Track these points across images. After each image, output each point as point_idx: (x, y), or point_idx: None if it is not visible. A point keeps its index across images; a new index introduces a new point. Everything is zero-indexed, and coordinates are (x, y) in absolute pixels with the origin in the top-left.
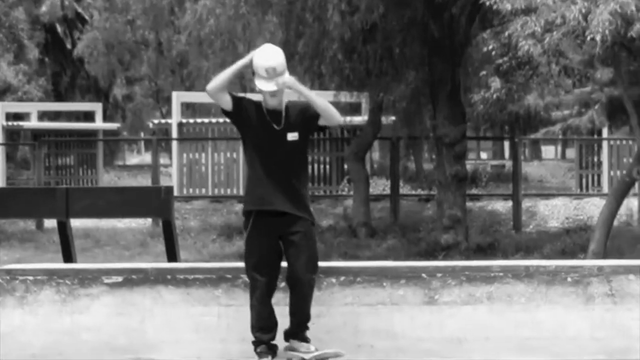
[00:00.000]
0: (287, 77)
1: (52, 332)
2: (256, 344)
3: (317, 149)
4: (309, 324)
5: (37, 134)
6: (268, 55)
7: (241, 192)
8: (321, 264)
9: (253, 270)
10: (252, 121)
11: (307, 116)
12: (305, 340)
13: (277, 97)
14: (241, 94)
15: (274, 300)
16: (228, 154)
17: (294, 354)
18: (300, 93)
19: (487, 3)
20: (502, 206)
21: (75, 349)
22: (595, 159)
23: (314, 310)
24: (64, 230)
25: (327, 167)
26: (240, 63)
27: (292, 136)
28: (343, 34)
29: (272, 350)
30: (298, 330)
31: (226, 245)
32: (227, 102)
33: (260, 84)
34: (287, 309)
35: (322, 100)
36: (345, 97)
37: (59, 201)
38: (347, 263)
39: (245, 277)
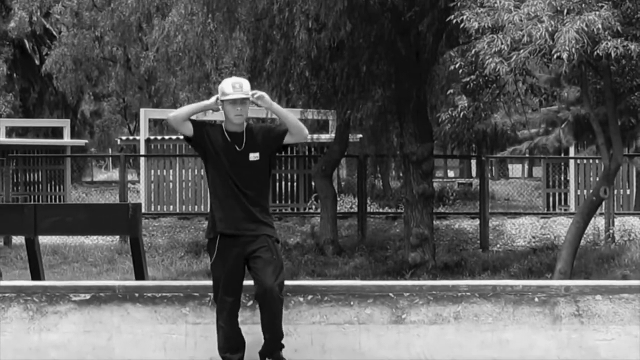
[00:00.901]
0: (259, 92)
1: (20, 350)
2: None
3: (285, 166)
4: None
5: (4, 150)
6: (234, 78)
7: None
8: (288, 282)
9: (222, 291)
10: (213, 144)
11: (273, 136)
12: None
13: (242, 115)
14: (202, 120)
15: (240, 319)
16: (196, 171)
17: None
18: (270, 107)
19: (454, 21)
20: (469, 224)
21: None
22: (562, 178)
23: None
24: (32, 247)
25: (295, 184)
26: (204, 102)
27: (253, 156)
28: (310, 51)
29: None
30: (273, 349)
31: (194, 262)
32: (188, 129)
33: (229, 97)
34: (254, 327)
35: (292, 115)
36: (312, 114)
37: (27, 218)
38: (315, 282)
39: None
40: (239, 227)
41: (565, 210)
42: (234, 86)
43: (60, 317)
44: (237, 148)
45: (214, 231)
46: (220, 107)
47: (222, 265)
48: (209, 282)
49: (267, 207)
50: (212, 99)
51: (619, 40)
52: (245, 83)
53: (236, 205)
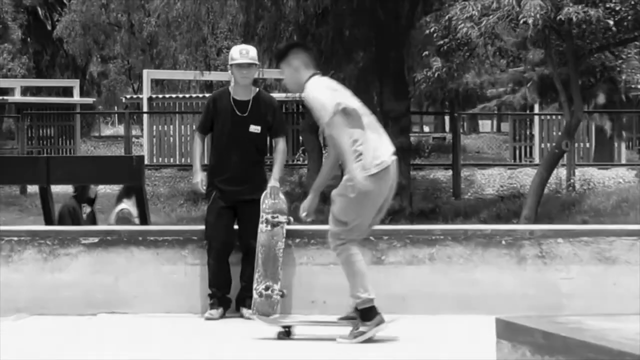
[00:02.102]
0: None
1: (35, 288)
2: (210, 297)
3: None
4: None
5: (20, 108)
6: (243, 45)
7: (206, 162)
8: None
9: (211, 233)
10: (220, 110)
11: (270, 122)
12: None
13: (248, 78)
14: (212, 99)
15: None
16: (194, 126)
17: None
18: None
19: None
20: (443, 175)
21: (56, 304)
22: (528, 133)
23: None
24: (45, 195)
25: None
26: (195, 178)
27: (254, 128)
28: (298, 17)
29: (225, 303)
30: (245, 296)
31: (192, 209)
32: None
33: (236, 61)
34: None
35: (282, 160)
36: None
37: (41, 169)
38: (302, 227)
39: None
40: (234, 185)
41: (530, 162)
42: (241, 52)
43: (71, 259)
44: (240, 114)
45: (212, 184)
46: (230, 71)
47: (216, 212)
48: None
49: (262, 168)
50: (198, 185)
51: (579, 7)
52: (252, 50)
53: (233, 166)
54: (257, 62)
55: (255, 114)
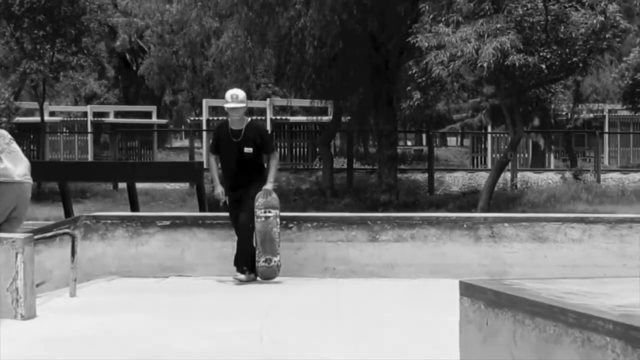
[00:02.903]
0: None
1: (122, 258)
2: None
3: (300, 138)
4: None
5: (113, 127)
6: (233, 90)
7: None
8: (300, 214)
9: (232, 224)
10: (222, 138)
11: (259, 144)
12: (242, 272)
13: (237, 115)
14: (217, 127)
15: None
16: None
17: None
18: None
19: (412, 42)
20: (421, 177)
21: (138, 269)
22: (483, 146)
23: (294, 244)
24: (131, 190)
25: (305, 150)
26: (216, 189)
27: (247, 150)
28: (315, 61)
29: (248, 269)
30: (236, 264)
31: None
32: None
33: (227, 105)
34: None
35: (275, 167)
36: (317, 103)
37: (128, 171)
38: (318, 214)
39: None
40: (235, 189)
41: (484, 167)
42: (232, 97)
43: (150, 236)
44: (235, 140)
45: (225, 188)
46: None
47: (231, 207)
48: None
49: (259, 176)
50: (219, 195)
51: (521, 55)
52: (240, 93)
53: (233, 177)
54: (244, 104)
55: (246, 139)
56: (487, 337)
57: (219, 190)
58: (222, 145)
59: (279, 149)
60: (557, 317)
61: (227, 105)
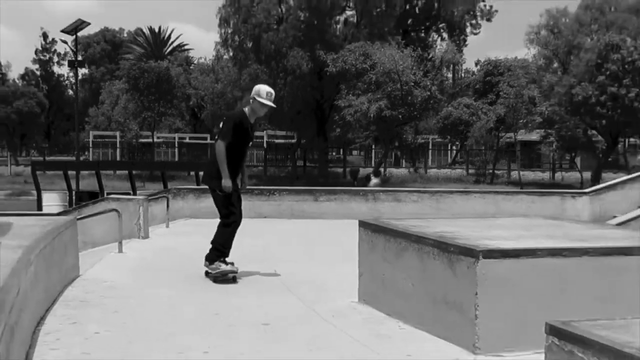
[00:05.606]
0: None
1: (192, 209)
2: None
3: (280, 150)
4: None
5: (186, 144)
6: (270, 88)
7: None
8: (280, 187)
9: (237, 211)
10: (244, 127)
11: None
12: (212, 262)
13: (266, 113)
14: (239, 119)
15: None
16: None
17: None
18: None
19: (336, 104)
20: (339, 170)
21: (200, 214)
22: (371, 155)
23: (277, 202)
24: (197, 175)
25: (283, 156)
26: (225, 182)
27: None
28: (289, 113)
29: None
30: (208, 254)
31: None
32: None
33: (264, 101)
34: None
35: (221, 161)
36: (289, 133)
37: (188, 166)
38: (289, 187)
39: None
40: (236, 174)
41: (372, 166)
42: (269, 94)
43: (205, 198)
44: (249, 132)
45: (231, 175)
46: (251, 100)
47: (235, 192)
48: None
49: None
50: (231, 188)
51: (389, 110)
52: (274, 93)
53: (241, 163)
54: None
55: (252, 132)
56: (371, 247)
57: (230, 183)
58: (239, 136)
59: (270, 158)
60: (406, 236)
61: (265, 102)
